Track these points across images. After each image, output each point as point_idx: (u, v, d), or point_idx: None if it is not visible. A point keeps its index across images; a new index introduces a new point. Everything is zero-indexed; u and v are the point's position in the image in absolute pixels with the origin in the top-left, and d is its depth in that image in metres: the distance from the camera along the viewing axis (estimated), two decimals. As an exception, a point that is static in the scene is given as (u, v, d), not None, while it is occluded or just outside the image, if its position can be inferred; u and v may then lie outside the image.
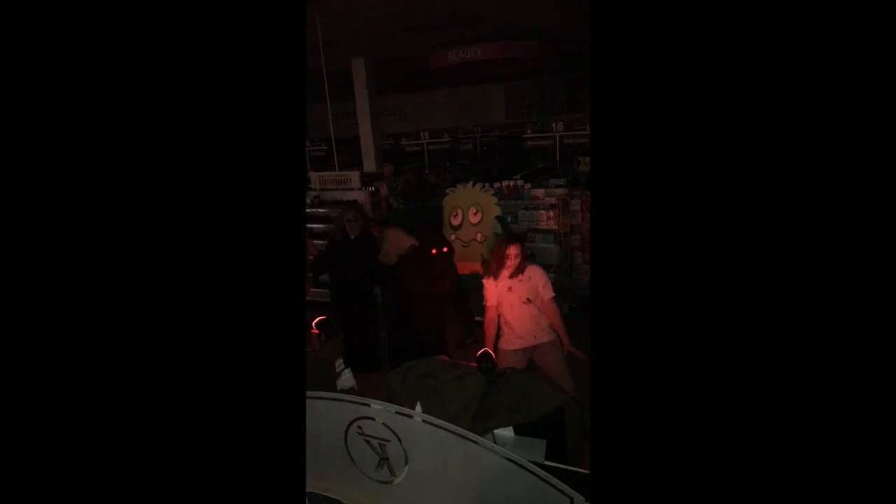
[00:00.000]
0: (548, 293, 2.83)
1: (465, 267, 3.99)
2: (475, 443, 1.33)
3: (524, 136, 10.09)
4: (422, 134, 9.82)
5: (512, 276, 2.82)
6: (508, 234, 3.04)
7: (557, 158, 7.76)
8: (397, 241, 4.11)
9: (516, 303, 2.84)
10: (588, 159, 6.45)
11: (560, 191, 5.07)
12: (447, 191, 4.49)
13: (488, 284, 2.88)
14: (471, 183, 4.34)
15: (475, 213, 4.17)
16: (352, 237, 3.75)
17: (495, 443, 1.56)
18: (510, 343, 2.89)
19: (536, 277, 2.83)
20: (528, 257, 2.88)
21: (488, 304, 2.90)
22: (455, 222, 4.27)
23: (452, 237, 4.23)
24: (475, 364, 2.02)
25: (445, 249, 3.32)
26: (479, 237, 4.14)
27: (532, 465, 1.27)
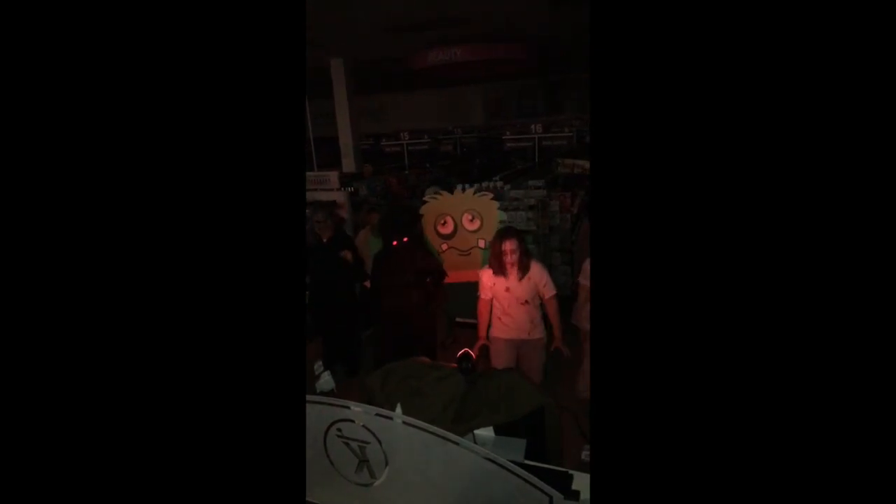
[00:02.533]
0: (549, 291, 2.86)
1: (468, 275, 3.82)
2: (455, 443, 1.33)
3: (503, 137, 10.15)
4: (402, 134, 9.80)
5: (510, 276, 2.80)
6: (504, 229, 3.02)
7: (536, 160, 7.82)
8: (363, 241, 4.06)
9: (514, 303, 2.85)
10: (566, 161, 6.52)
11: (539, 192, 5.12)
12: (426, 198, 4.26)
13: (485, 277, 2.89)
14: (460, 188, 4.18)
15: (472, 220, 4.02)
16: (324, 240, 3.60)
17: (475, 443, 1.56)
18: (501, 332, 2.92)
19: (537, 277, 2.84)
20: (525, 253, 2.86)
21: (482, 296, 2.93)
22: (444, 230, 4.08)
23: (444, 246, 4.10)
24: (455, 365, 2.03)
25: (406, 240, 3.29)
26: (481, 244, 4.02)
27: (512, 465, 1.28)
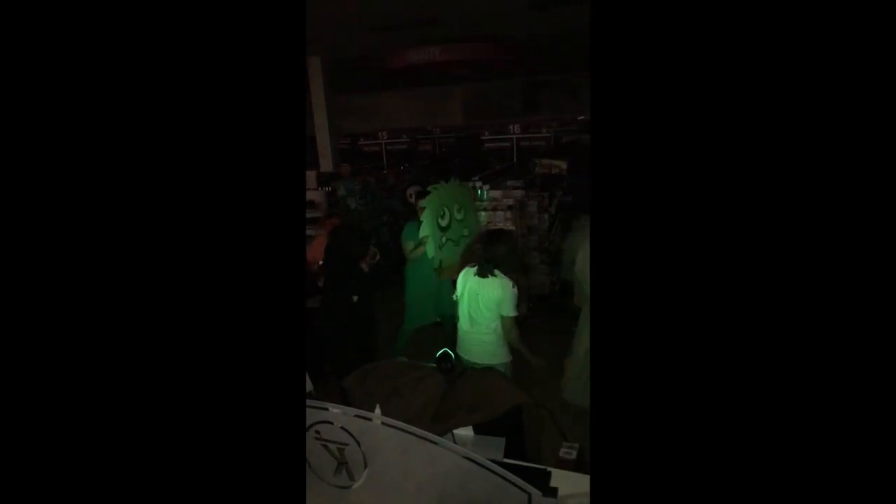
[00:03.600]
0: None
1: (460, 267, 3.65)
2: (435, 443, 1.33)
3: (482, 137, 10.20)
4: (380, 134, 9.74)
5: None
6: (501, 231, 3.00)
7: (515, 160, 7.88)
8: (318, 249, 3.96)
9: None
10: (544, 161, 6.60)
11: (517, 192, 5.17)
12: (430, 188, 3.88)
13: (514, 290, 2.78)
14: (455, 180, 4.13)
15: (458, 210, 3.96)
16: None
17: (455, 442, 1.56)
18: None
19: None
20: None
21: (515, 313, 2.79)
22: (443, 223, 3.87)
23: (444, 240, 3.88)
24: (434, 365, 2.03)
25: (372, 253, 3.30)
26: (465, 232, 4.00)
27: (491, 464, 1.28)
